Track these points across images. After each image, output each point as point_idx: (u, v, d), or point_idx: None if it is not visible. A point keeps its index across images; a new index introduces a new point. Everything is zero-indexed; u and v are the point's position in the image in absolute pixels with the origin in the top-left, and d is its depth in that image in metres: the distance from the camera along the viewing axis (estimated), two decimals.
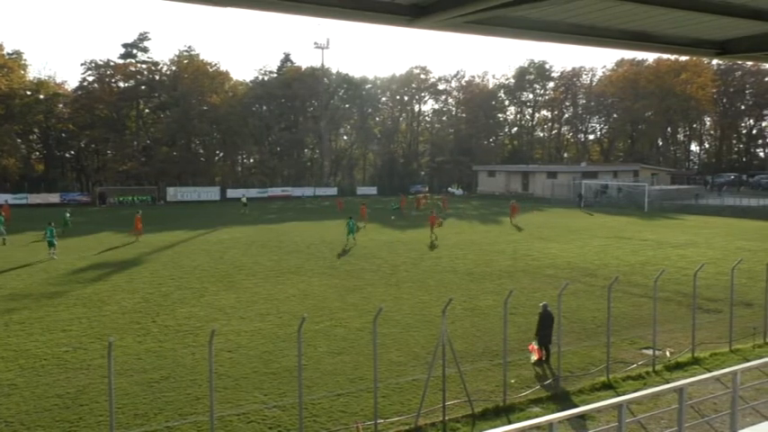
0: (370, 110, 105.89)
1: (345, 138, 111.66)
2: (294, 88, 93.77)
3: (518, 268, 29.30)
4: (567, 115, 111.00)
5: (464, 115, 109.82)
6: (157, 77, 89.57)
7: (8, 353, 16.57)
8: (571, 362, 15.99)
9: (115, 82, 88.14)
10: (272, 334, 18.51)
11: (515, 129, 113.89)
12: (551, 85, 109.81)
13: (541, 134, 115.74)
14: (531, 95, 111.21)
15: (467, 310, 21.37)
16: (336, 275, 27.65)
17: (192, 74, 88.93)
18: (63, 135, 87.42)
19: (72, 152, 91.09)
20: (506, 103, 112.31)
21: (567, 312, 20.16)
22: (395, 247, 36.35)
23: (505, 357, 14.00)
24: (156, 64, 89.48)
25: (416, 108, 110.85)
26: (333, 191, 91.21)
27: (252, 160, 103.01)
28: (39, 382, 14.52)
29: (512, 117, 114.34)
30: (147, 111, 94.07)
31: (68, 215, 44.24)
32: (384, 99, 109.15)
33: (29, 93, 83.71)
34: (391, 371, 15.44)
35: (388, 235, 42.35)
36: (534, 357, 15.81)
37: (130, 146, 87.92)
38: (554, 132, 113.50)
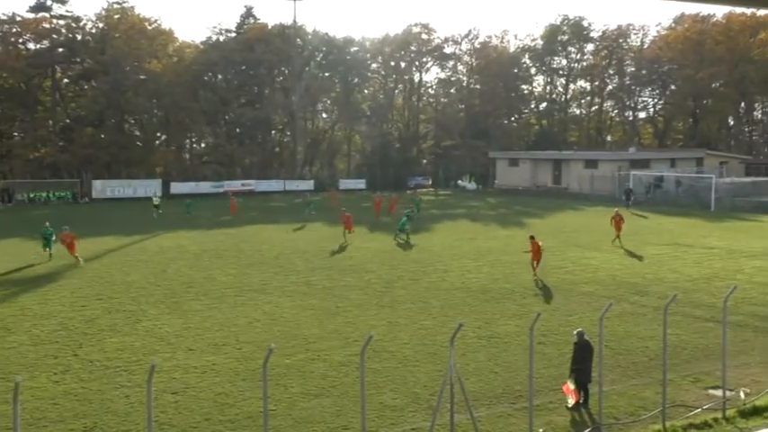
0: (356, 80, 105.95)
1: (325, 116, 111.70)
2: (258, 52, 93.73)
3: (548, 284, 29.36)
4: (610, 87, 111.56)
5: (478, 87, 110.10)
6: (79, 37, 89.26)
7: None
8: (616, 405, 16.03)
9: (23, 43, 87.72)
10: (230, 370, 18.48)
11: (544, 104, 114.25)
12: (590, 47, 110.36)
13: (578, 111, 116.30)
14: (564, 61, 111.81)
15: (481, 338, 21.41)
16: (313, 294, 27.63)
17: (125, 33, 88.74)
18: None
19: None
20: (533, 71, 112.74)
21: (610, 341, 20.23)
22: (389, 258, 36.37)
23: (531, 400, 14.02)
24: (77, 20, 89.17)
25: (416, 78, 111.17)
26: (308, 184, 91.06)
27: (204, 145, 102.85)
28: None
29: (539, 89, 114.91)
30: (66, 81, 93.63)
31: None
32: (375, 66, 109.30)
33: None
34: (384, 417, 15.43)
35: (379, 242, 42.40)
36: (571, 401, 15.85)
37: (44, 126, 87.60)
38: (594, 109, 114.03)
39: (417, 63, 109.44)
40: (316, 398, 16.61)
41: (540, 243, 31.25)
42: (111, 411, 15.73)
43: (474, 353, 19.89)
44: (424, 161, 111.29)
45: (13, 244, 41.64)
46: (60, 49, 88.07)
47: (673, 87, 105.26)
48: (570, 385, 15.91)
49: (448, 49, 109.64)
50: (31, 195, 74.69)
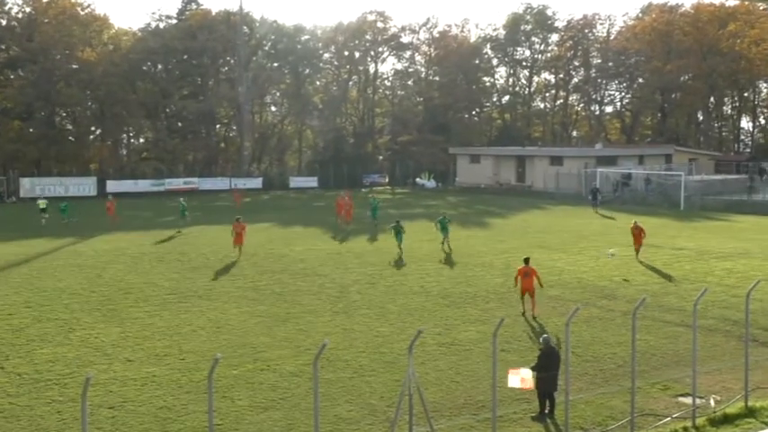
0: (307, 70, 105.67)
1: (274, 109, 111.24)
2: (201, 40, 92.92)
3: (511, 288, 29.59)
4: (576, 80, 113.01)
5: (437, 79, 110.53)
6: (4, 22, 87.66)
7: None
8: (583, 415, 16.24)
9: None
10: (172, 382, 18.32)
11: (507, 98, 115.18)
12: (555, 38, 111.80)
13: (542, 105, 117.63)
14: (527, 52, 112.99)
15: (442, 345, 21.52)
16: (262, 300, 27.52)
17: (56, 18, 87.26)
18: None
19: None
20: (494, 62, 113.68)
21: (577, 347, 20.49)
22: (343, 261, 36.35)
23: (495, 410, 14.14)
24: (1, 3, 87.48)
25: (372, 68, 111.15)
26: (257, 182, 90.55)
27: (142, 140, 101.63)
28: None
29: (502, 82, 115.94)
30: None
31: None
32: (327, 56, 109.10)
33: None
34: (339, 431, 15.43)
35: (332, 244, 42.38)
36: (514, 381, 15.21)
37: None
38: (559, 103, 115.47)
39: (372, 53, 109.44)
40: (265, 411, 16.54)
41: (535, 268, 25.59)
42: (41, 428, 15.48)
43: (434, 361, 19.98)
44: (381, 157, 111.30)
45: None
46: None
47: (640, 80, 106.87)
48: (525, 374, 15.29)
49: (405, 39, 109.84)
50: None
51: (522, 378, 15.20)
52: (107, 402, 16.86)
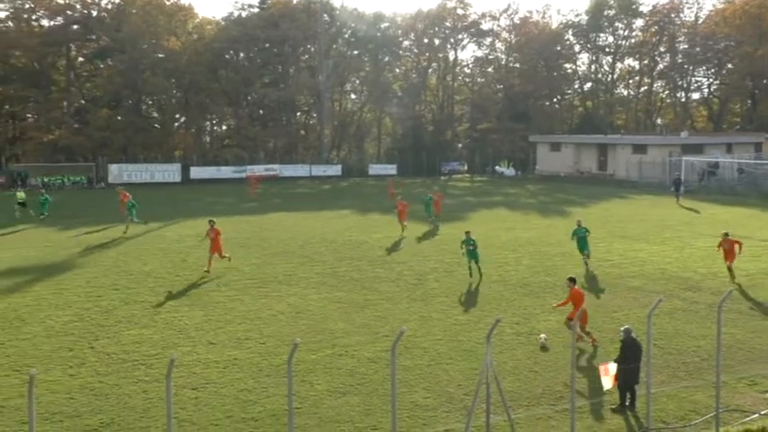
0: (387, 58, 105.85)
1: (353, 96, 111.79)
2: (283, 28, 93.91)
3: (592, 278, 29.19)
4: (661, 66, 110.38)
5: (517, 66, 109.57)
6: (95, 13, 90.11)
7: None
8: (666, 408, 15.93)
9: (37, 19, 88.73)
10: (253, 365, 18.66)
11: (589, 85, 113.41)
12: (639, 23, 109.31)
13: (625, 92, 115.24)
14: (611, 38, 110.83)
15: (520, 335, 21.37)
16: (341, 286, 27.75)
17: (143, 9, 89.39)
18: None
19: None
20: (576, 48, 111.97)
21: (659, 340, 20.08)
22: (422, 249, 36.37)
23: (573, 401, 13.98)
24: None
25: (451, 56, 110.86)
26: (336, 169, 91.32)
27: (225, 128, 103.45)
28: None
29: (584, 68, 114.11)
30: (80, 60, 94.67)
31: None
32: (407, 43, 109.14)
33: None
34: (416, 417, 15.49)
35: (411, 231, 42.39)
36: (608, 383, 15.47)
37: (59, 107, 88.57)
38: (643, 90, 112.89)
39: (452, 40, 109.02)
40: (343, 396, 16.71)
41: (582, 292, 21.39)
42: (128, 407, 15.96)
43: (512, 350, 19.86)
44: (459, 145, 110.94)
45: (27, 231, 42.21)
46: (75, 26, 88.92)
47: (729, 66, 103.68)
48: (610, 368, 15.40)
49: (485, 26, 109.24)
50: (45, 180, 75.65)
51: (612, 376, 15.14)
52: (190, 384, 17.28)
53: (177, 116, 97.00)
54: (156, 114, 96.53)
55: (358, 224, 45.29)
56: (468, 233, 30.00)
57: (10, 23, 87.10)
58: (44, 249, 35.83)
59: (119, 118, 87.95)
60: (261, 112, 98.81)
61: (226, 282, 28.39)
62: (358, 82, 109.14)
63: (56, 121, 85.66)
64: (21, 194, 51.31)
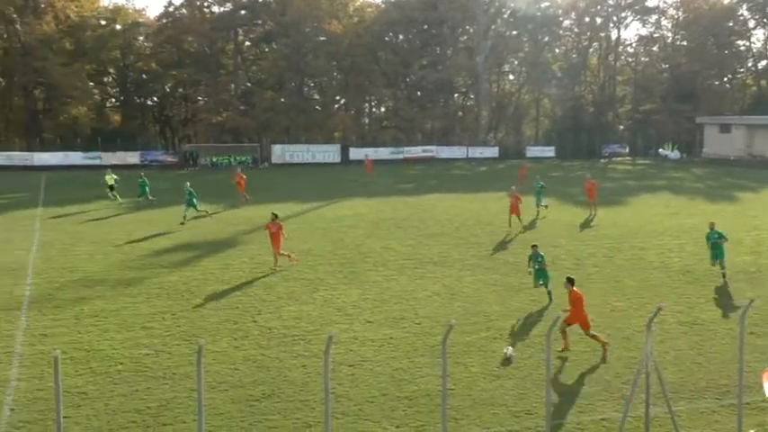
0: (546, 38, 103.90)
1: (512, 77, 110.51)
2: (441, 10, 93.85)
3: (762, 267, 27.65)
4: None
5: (684, 44, 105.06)
6: None
7: (79, 353, 18.18)
8: None
9: (208, 6, 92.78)
10: (408, 345, 18.87)
11: (764, 62, 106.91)
12: None
13: None
14: None
15: (683, 324, 20.56)
16: (496, 269, 27.58)
17: None
18: (143, 77, 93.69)
19: (155, 98, 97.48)
20: (751, 24, 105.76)
21: None
22: (580, 233, 35.63)
23: (741, 396, 13.31)
24: None
25: (614, 35, 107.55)
26: (493, 151, 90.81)
27: (383, 109, 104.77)
28: (114, 391, 15.83)
29: (758, 45, 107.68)
30: (247, 43, 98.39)
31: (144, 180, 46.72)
32: (567, 23, 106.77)
33: (103, 22, 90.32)
34: (571, 405, 15.23)
35: (570, 214, 41.58)
36: None
37: (226, 90, 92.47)
38: None
39: (615, 18, 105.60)
40: (497, 379, 16.63)
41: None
42: (288, 380, 16.52)
43: (674, 340, 19.13)
44: (621, 127, 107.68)
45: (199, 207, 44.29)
46: (242, 12, 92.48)
47: None
48: None
49: (650, 2, 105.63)
50: (214, 160, 79.34)
51: None
52: (347, 360, 17.67)
53: (337, 98, 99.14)
54: (317, 96, 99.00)
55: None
56: (534, 247, 23.62)
57: (184, 10, 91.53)
58: (211, 226, 37.55)
59: (282, 100, 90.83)
60: (419, 93, 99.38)
61: (383, 262, 28.80)
62: (516, 63, 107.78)
63: (224, 103, 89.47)
64: (110, 177, 47.68)
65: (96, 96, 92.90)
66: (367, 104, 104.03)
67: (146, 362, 17.62)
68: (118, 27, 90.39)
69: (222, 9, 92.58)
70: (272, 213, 28.75)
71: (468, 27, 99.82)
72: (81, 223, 38.10)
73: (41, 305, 22.43)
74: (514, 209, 35.99)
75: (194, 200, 39.46)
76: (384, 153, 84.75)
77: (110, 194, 46.54)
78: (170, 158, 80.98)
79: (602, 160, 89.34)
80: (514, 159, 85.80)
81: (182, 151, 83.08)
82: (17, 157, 75.91)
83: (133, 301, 23.02)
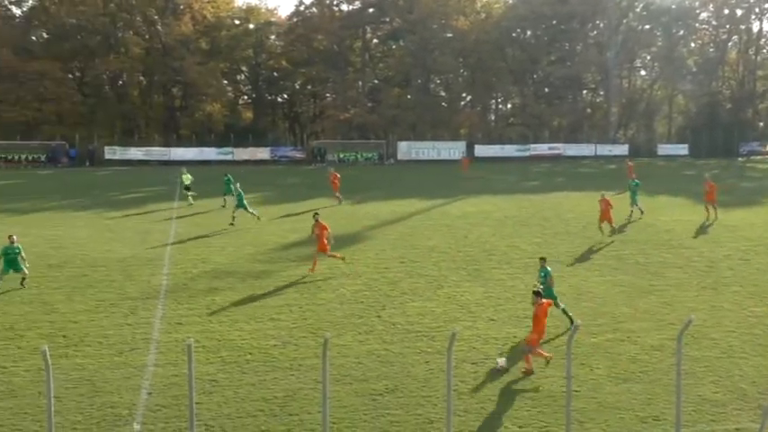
0: (681, 32, 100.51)
1: (643, 73, 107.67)
2: (571, 4, 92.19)
3: None
4: None
5: None
6: None
7: (210, 342, 18.87)
8: None
9: (337, 4, 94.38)
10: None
11: None
12: None
13: None
14: None
15: None
16: (625, 270, 26.89)
17: None
18: (274, 75, 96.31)
19: (285, 95, 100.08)
20: None
21: None
22: (713, 234, 34.26)
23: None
24: None
25: (755, 27, 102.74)
26: (622, 149, 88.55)
27: (510, 106, 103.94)
28: (242, 380, 16.35)
29: None
30: (375, 41, 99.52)
31: (229, 178, 43.76)
32: (704, 15, 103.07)
33: (237, 22, 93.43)
34: (703, 413, 14.70)
35: (702, 215, 40.04)
36: None
37: (354, 87, 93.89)
38: None
39: (757, 10, 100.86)
40: (624, 382, 16.23)
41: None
42: (411, 375, 16.62)
43: None
44: (761, 124, 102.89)
45: (324, 204, 45.05)
46: (371, 10, 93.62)
47: None
48: None
49: None
50: (341, 156, 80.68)
51: None
52: (470, 358, 17.63)
53: (464, 95, 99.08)
54: (443, 93, 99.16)
55: (644, 206, 43.55)
56: (542, 260, 20.93)
57: (314, 9, 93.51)
58: (337, 221, 38.12)
59: (408, 97, 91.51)
60: (546, 90, 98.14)
61: (507, 260, 28.56)
62: (649, 57, 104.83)
63: (351, 100, 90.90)
64: (187, 177, 45.54)
65: (229, 94, 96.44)
66: (493, 101, 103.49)
67: (273, 353, 18.11)
68: (251, 26, 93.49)
69: (351, 7, 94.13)
70: (314, 213, 27.80)
71: (598, 22, 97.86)
72: (214, 217, 39.45)
73: (176, 295, 23.43)
74: (605, 214, 33.05)
75: (243, 200, 37.26)
76: (510, 150, 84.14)
77: (188, 196, 44.20)
78: (298, 154, 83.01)
79: (740, 159, 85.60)
80: (645, 158, 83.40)
81: (309, 147, 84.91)
82: (155, 152, 79.59)
83: (262, 293, 23.69)
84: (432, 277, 25.75)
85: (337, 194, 44.73)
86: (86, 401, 15.13)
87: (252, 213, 37.31)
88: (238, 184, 38.84)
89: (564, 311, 19.96)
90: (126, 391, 15.72)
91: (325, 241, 26.31)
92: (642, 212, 38.28)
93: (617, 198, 39.83)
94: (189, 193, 44.24)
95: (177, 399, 15.18)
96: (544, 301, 17.30)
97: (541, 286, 19.01)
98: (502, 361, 17.18)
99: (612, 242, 31.97)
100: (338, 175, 45.63)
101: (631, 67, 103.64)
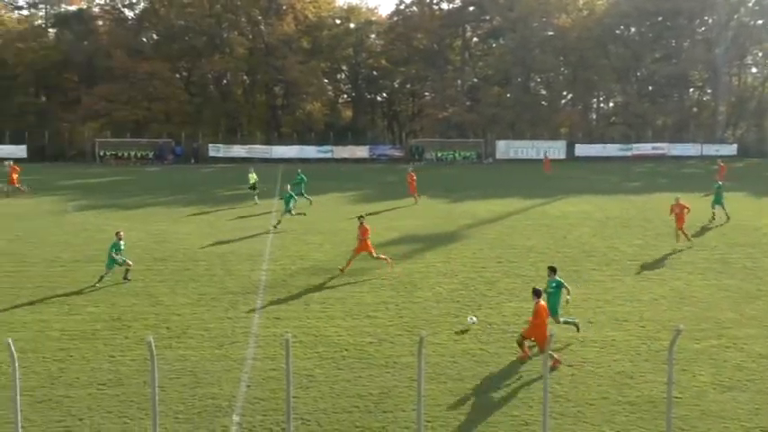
0: None
1: (755, 70, 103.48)
2: (677, 1, 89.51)
3: None
4: None
5: None
6: None
7: (307, 338, 19.16)
8: None
9: (437, 3, 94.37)
10: (631, 349, 18.27)
11: None
12: None
13: None
14: None
15: None
16: (731, 274, 26.03)
17: None
18: (374, 73, 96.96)
19: (384, 94, 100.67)
20: None
21: None
22: None
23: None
24: None
25: None
26: (731, 149, 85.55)
27: (612, 104, 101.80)
28: (338, 376, 16.55)
29: None
30: (474, 39, 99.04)
31: (301, 175, 44.71)
32: None
33: (338, 22, 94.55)
34: None
35: None
36: None
37: (452, 86, 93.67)
38: None
39: None
40: (729, 390, 15.70)
41: None
42: (506, 376, 16.49)
43: None
44: None
45: (421, 202, 45.12)
46: (471, 8, 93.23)
47: None
48: None
49: None
50: (439, 155, 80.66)
51: None
52: (567, 360, 17.35)
53: (564, 93, 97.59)
54: (543, 91, 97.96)
55: (750, 208, 42.06)
56: (552, 270, 19.64)
57: (414, 8, 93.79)
58: (435, 220, 38.17)
59: (508, 95, 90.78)
60: (650, 88, 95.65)
61: (607, 261, 28.04)
62: (761, 54, 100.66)
63: (450, 98, 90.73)
64: (252, 176, 45.41)
65: (330, 93, 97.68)
66: (595, 100, 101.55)
67: (369, 350, 18.26)
68: (351, 26, 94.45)
69: (451, 6, 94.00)
70: (359, 216, 27.82)
71: (706, 18, 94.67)
72: (313, 214, 40.03)
73: (275, 290, 23.89)
74: (680, 220, 30.93)
75: (291, 199, 36.75)
76: (612, 150, 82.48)
77: (254, 196, 44.34)
78: (397, 153, 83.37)
79: None
80: (756, 158, 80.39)
81: (408, 146, 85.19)
82: (258, 150, 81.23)
83: (358, 290, 23.92)
84: (529, 277, 25.45)
85: (414, 194, 44.79)
86: (188, 392, 15.61)
87: (290, 212, 36.26)
88: (288, 186, 38.89)
89: (566, 322, 19.10)
90: (226, 382, 16.14)
91: (369, 243, 26.38)
92: (728, 217, 36.88)
93: (705, 199, 38.56)
94: (254, 192, 44.63)
95: (275, 392, 15.49)
96: (542, 302, 17.12)
97: (544, 295, 17.99)
98: (473, 319, 18.93)
99: (716, 246, 30.99)
100: (414, 176, 45.58)
101: (741, 64, 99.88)
